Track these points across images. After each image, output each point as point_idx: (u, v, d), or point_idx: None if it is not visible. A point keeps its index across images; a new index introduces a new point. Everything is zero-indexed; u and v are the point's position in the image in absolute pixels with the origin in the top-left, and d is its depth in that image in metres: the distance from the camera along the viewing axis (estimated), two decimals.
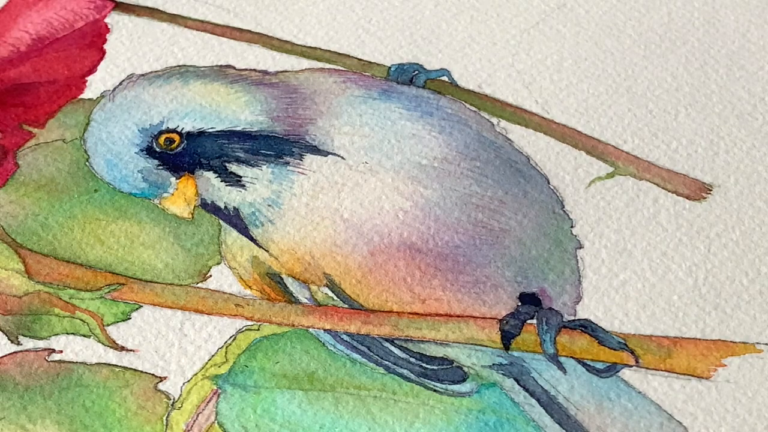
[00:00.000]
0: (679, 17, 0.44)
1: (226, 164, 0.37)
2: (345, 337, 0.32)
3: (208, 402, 0.31)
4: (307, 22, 0.43)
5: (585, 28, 0.43)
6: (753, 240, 0.35)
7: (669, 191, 0.37)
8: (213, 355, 0.32)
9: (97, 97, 0.39)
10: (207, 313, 0.33)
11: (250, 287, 0.34)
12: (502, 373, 0.32)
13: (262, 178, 0.37)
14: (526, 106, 0.40)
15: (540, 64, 0.42)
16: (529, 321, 0.33)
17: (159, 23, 0.43)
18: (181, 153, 0.37)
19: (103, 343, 0.32)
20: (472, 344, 0.32)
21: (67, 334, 0.32)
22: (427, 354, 0.32)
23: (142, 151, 0.37)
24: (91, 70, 0.41)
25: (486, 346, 0.32)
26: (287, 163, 0.37)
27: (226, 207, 0.36)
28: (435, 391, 0.31)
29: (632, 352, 0.32)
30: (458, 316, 0.33)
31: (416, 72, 0.41)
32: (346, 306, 0.33)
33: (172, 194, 0.36)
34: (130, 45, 0.42)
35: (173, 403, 0.31)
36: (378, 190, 0.36)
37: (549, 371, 0.32)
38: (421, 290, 0.34)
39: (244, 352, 0.32)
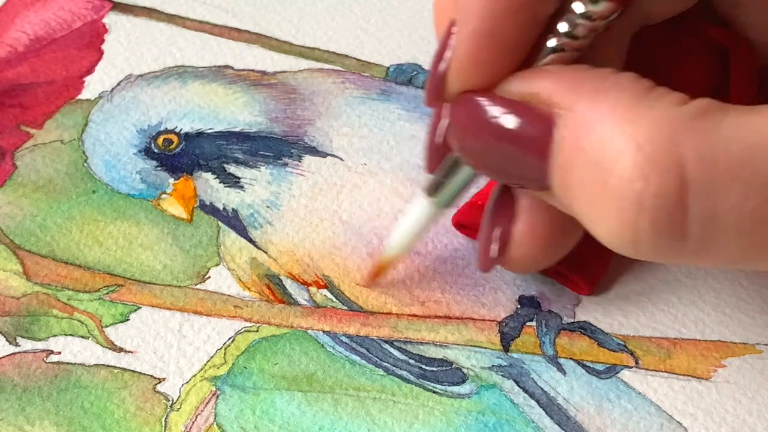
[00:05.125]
0: None
1: (225, 165, 0.37)
2: (344, 339, 0.32)
3: (206, 403, 0.31)
4: (306, 22, 0.43)
5: None
6: None
7: None
8: (212, 357, 0.32)
9: (95, 98, 0.39)
10: (206, 315, 0.33)
11: (248, 288, 0.34)
12: (502, 375, 0.32)
13: (260, 179, 0.36)
14: None
15: None
16: (528, 323, 0.33)
17: (157, 23, 0.43)
18: (179, 154, 0.37)
19: (101, 345, 0.32)
20: (471, 346, 0.32)
21: (66, 335, 0.32)
22: (427, 356, 0.32)
23: (140, 152, 0.37)
24: (89, 70, 0.41)
25: (485, 348, 0.32)
26: (286, 165, 0.37)
27: (224, 208, 0.36)
28: (434, 392, 0.31)
29: (632, 354, 0.32)
30: (457, 318, 0.33)
31: (415, 72, 0.41)
32: (345, 308, 0.33)
33: (171, 195, 0.36)
34: (128, 45, 0.42)
35: (172, 404, 0.31)
36: (377, 192, 0.36)
37: (548, 373, 0.32)
38: (420, 292, 0.34)
39: (243, 353, 0.32)
